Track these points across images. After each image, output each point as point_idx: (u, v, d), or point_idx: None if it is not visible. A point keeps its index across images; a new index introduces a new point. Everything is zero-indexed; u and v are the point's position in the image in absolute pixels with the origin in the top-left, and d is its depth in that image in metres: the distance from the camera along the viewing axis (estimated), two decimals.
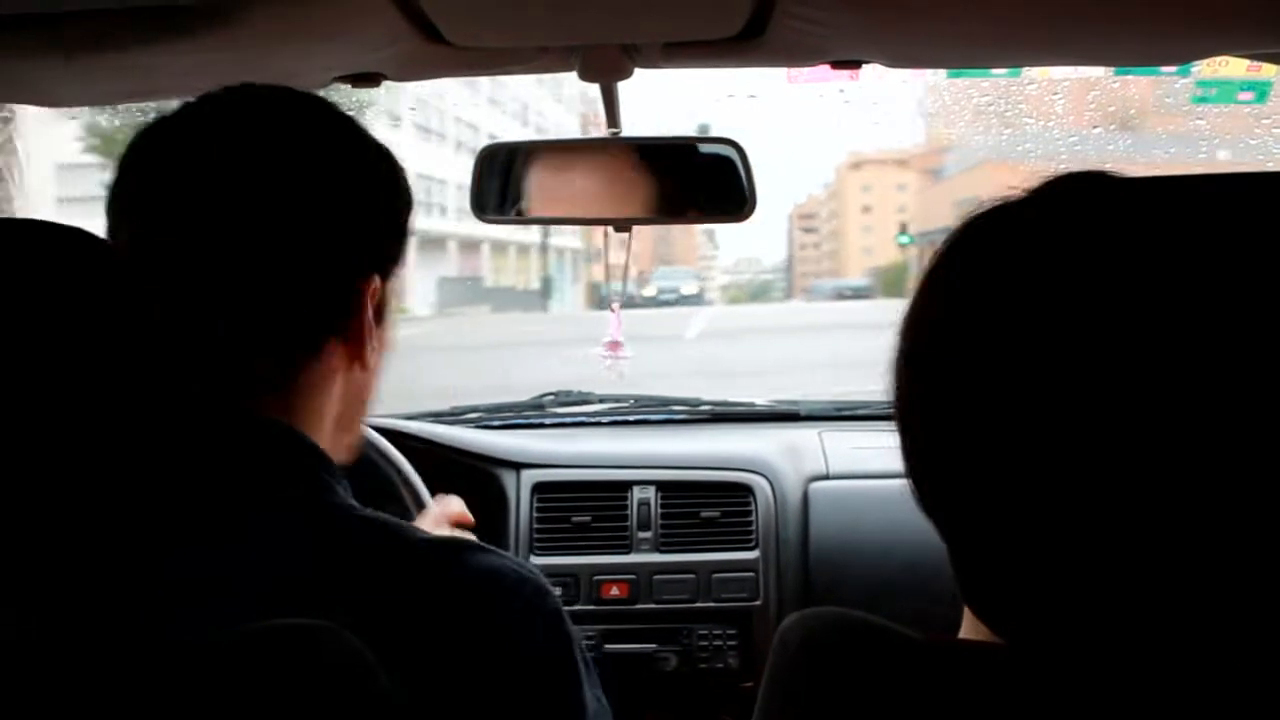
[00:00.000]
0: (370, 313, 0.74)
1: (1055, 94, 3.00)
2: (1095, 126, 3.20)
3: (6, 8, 0.92)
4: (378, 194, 0.76)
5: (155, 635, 0.60)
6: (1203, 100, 1.54)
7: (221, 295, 0.69)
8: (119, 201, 0.72)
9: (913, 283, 0.60)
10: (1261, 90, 1.54)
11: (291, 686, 0.54)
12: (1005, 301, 0.53)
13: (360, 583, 0.63)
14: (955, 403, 0.54)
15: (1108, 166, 0.56)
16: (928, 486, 0.57)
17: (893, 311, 0.58)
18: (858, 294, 31.17)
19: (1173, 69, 1.42)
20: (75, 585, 0.62)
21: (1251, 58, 1.37)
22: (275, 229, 0.69)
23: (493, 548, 0.70)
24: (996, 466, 0.53)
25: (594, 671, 0.70)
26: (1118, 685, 0.52)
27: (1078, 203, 0.55)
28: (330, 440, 0.76)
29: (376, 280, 0.75)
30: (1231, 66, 1.50)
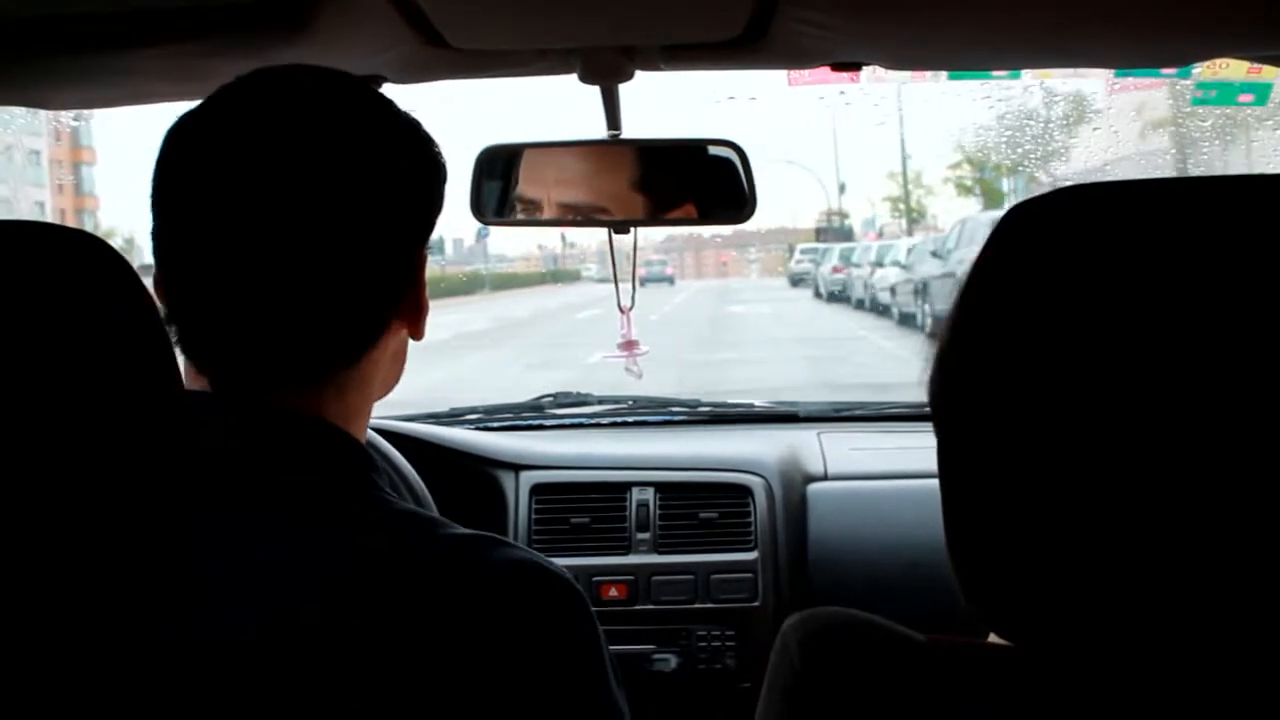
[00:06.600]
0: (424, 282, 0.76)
1: None
2: None
3: (4, 10, 0.92)
4: (420, 161, 0.75)
5: (190, 633, 0.61)
6: (1203, 102, 1.54)
7: (283, 281, 0.67)
8: (165, 197, 0.69)
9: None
10: (1262, 92, 1.54)
11: None
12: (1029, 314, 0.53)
13: (393, 579, 0.63)
14: (978, 405, 0.55)
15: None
16: (949, 482, 0.57)
17: None
18: None
19: (1173, 71, 1.42)
20: (111, 584, 0.62)
21: (1252, 60, 1.37)
22: (330, 203, 0.68)
23: (516, 543, 0.71)
24: (1009, 466, 0.53)
25: (617, 665, 0.71)
26: (1121, 686, 0.52)
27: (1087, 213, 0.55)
28: (370, 407, 0.77)
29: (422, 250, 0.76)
30: (1231, 69, 1.50)
